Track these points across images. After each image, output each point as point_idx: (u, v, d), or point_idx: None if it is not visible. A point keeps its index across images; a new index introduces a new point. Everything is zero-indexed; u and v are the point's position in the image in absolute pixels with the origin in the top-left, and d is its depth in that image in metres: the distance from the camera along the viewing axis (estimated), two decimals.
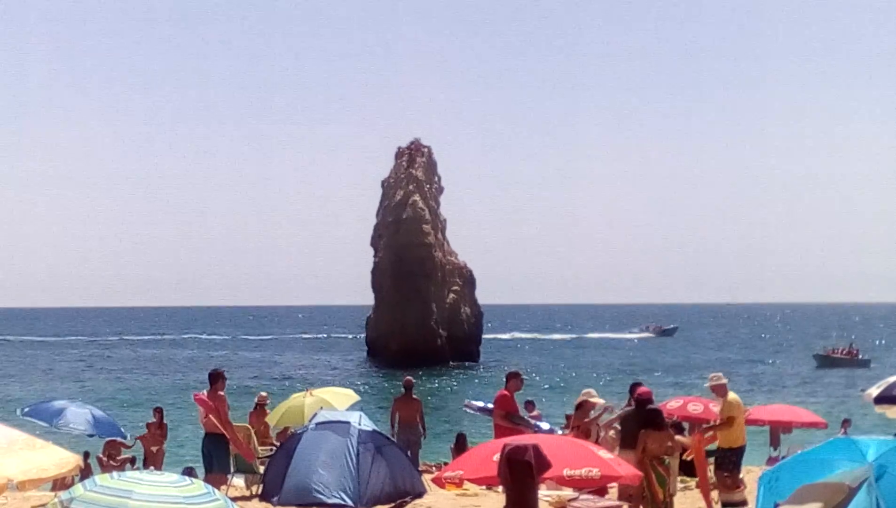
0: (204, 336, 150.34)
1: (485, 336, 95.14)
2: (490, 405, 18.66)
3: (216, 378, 16.84)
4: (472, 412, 20.84)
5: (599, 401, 16.09)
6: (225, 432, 16.03)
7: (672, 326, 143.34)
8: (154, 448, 22.87)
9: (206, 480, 16.04)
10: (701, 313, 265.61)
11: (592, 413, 16.43)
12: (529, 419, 17.38)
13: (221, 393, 16.54)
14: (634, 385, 15.97)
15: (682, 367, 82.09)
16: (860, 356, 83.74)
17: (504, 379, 18.21)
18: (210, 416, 16.55)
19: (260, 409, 22.50)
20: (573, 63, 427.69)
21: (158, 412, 23.98)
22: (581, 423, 16.30)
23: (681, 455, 17.29)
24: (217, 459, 16.83)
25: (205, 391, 17.03)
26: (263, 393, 23.73)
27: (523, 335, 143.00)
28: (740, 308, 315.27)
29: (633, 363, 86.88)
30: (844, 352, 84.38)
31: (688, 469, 18.05)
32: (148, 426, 23.67)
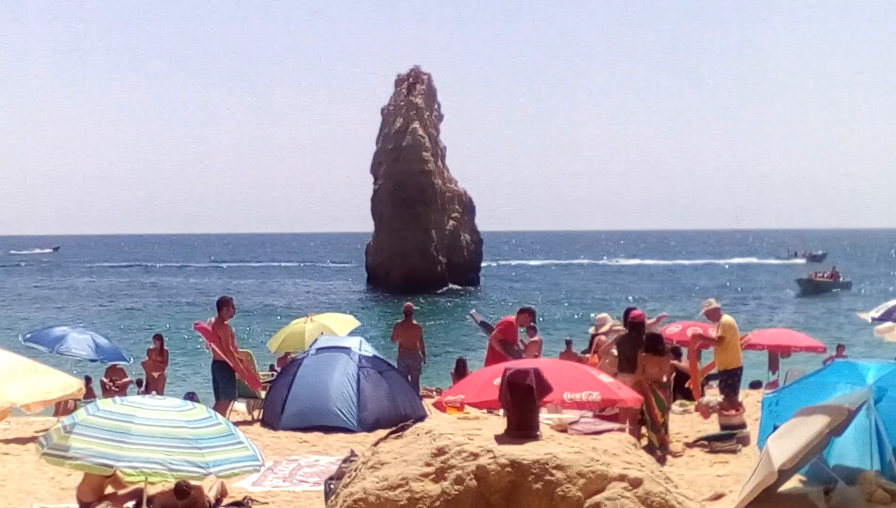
0: (204, 264, 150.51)
1: (499, 263, 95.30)
2: (491, 324, 18.66)
3: (222, 305, 16.80)
4: (475, 323, 20.78)
5: (618, 325, 16.16)
6: (227, 360, 16.05)
7: (821, 252, 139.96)
8: (155, 374, 22.99)
9: (215, 407, 16.20)
10: (707, 239, 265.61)
11: (607, 339, 16.57)
12: (521, 352, 17.36)
13: (227, 322, 16.49)
14: (628, 310, 16.01)
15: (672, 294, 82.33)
16: (842, 279, 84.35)
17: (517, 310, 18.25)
18: (212, 345, 16.56)
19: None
20: None
21: (159, 338, 24.08)
22: (602, 347, 16.51)
23: (678, 379, 17.45)
24: (223, 385, 16.87)
25: (211, 319, 16.99)
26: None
27: (535, 263, 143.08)
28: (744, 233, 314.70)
29: (620, 290, 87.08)
30: (827, 275, 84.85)
31: (686, 392, 18.20)
32: (149, 352, 23.80)
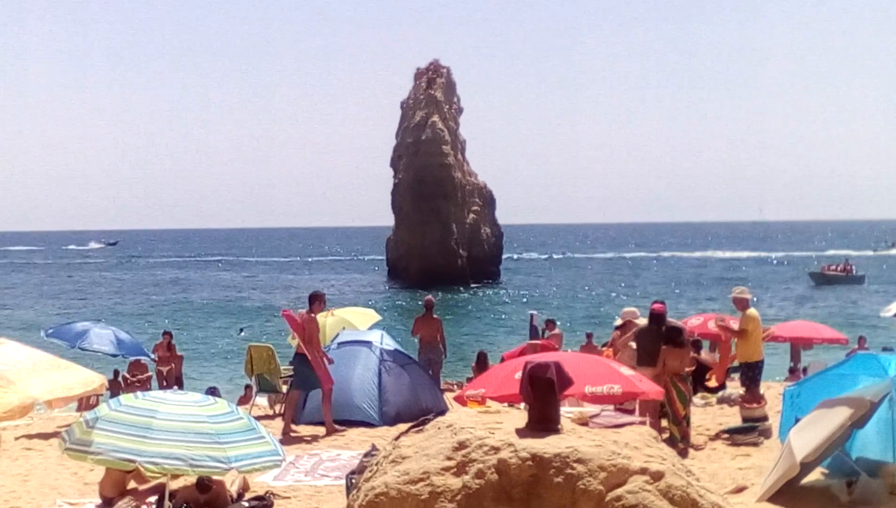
0: (229, 258, 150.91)
1: (521, 256, 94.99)
2: (541, 330, 18.42)
3: (314, 300, 16.79)
4: (530, 322, 20.67)
5: (641, 321, 16.00)
6: (307, 352, 16.05)
7: None
8: (164, 370, 23.10)
9: (287, 397, 16.49)
10: (727, 231, 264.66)
11: (621, 335, 16.50)
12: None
13: (314, 315, 16.49)
14: (654, 304, 15.92)
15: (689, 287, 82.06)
16: (854, 273, 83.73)
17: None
18: (296, 334, 16.53)
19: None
20: None
21: (168, 334, 24.14)
22: (619, 343, 16.39)
23: (700, 373, 17.38)
24: (305, 378, 16.68)
25: (300, 311, 17.01)
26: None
27: (557, 256, 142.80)
28: (769, 225, 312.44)
29: (640, 283, 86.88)
30: (840, 268, 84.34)
31: (706, 385, 18.15)
32: (155, 347, 23.82)
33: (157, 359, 23.38)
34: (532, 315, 19.25)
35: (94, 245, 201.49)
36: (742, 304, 16.07)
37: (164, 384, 22.23)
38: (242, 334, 49.84)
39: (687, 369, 14.54)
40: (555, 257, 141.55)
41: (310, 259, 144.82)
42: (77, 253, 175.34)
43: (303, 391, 16.54)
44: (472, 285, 79.25)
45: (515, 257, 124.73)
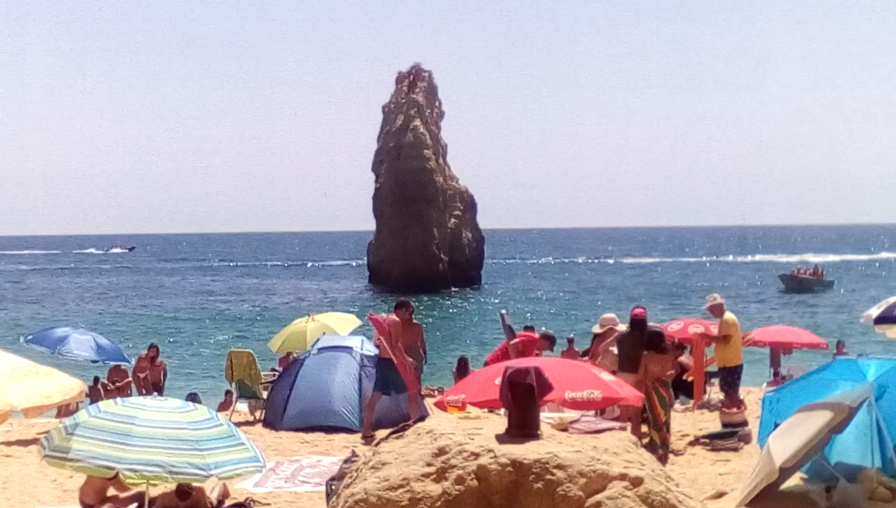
0: (205, 263, 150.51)
1: (497, 261, 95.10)
2: (516, 331, 18.41)
3: (399, 306, 16.90)
4: (502, 323, 20.61)
5: (621, 328, 15.98)
6: (392, 355, 16.09)
7: None
8: (140, 375, 22.96)
9: (370, 401, 16.38)
10: (709, 237, 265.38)
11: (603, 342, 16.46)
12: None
13: (397, 320, 16.54)
14: (635, 309, 15.94)
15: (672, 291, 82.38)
16: (825, 278, 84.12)
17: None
18: (381, 338, 16.55)
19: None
20: None
21: (154, 348, 24.00)
22: (599, 349, 16.35)
23: (681, 374, 17.44)
24: (389, 381, 16.65)
25: (384, 315, 17.08)
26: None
27: (540, 260, 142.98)
28: (753, 229, 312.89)
29: (625, 287, 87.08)
30: (810, 273, 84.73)
31: (688, 390, 18.19)
32: (139, 359, 23.67)
33: (135, 366, 23.29)
34: (503, 315, 19.21)
35: (115, 250, 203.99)
36: (718, 310, 16.16)
37: (143, 391, 22.15)
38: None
39: (669, 373, 14.58)
40: (537, 261, 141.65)
41: (289, 264, 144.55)
42: (95, 257, 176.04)
43: (386, 393, 16.57)
44: (454, 290, 79.24)
45: (495, 261, 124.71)
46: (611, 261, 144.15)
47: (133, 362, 23.20)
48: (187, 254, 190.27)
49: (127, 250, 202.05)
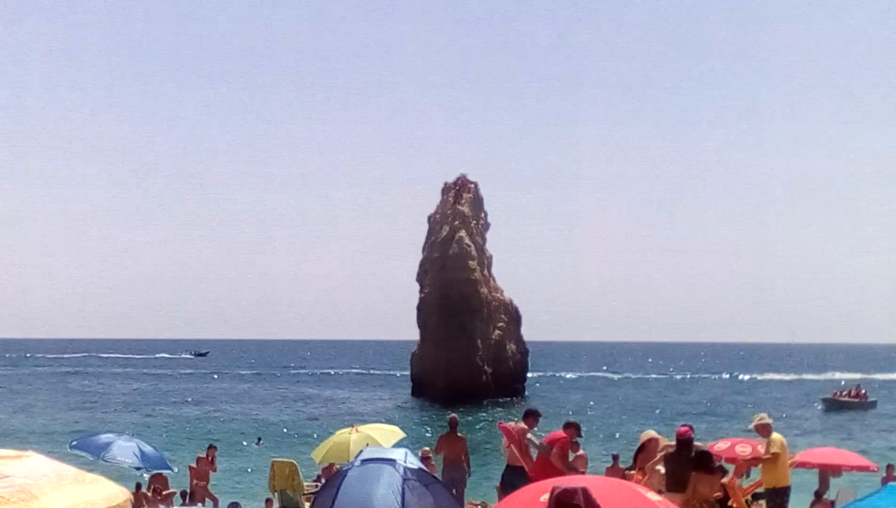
0: (251, 371, 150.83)
1: (531, 374, 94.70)
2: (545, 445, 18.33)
3: (528, 415, 17.08)
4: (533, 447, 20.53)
5: (665, 441, 15.88)
6: (524, 463, 16.21)
7: None
8: (202, 483, 23.01)
9: None
10: (756, 353, 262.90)
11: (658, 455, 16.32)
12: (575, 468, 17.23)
13: (525, 427, 16.68)
14: (681, 427, 15.84)
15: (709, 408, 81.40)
16: (867, 398, 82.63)
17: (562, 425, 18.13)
18: (511, 446, 16.63)
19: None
20: (627, 92, 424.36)
21: (212, 449, 24.14)
22: (645, 465, 16.22)
23: (726, 498, 17.16)
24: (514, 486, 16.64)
25: (513, 423, 17.24)
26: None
27: (572, 375, 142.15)
28: (800, 348, 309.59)
29: (664, 404, 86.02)
30: (852, 394, 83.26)
31: None
32: (198, 459, 23.81)
33: (194, 469, 23.46)
34: (505, 427, 19.33)
35: (185, 355, 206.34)
36: (765, 430, 16.00)
37: (197, 498, 22.23)
38: (261, 443, 50.31)
39: (717, 494, 14.38)
40: (581, 375, 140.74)
41: (331, 372, 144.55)
42: (166, 362, 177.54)
43: None
44: (497, 402, 78.70)
45: (538, 374, 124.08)
46: (652, 376, 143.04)
47: (175, 469, 23.26)
48: (231, 359, 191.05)
49: (198, 356, 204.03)
